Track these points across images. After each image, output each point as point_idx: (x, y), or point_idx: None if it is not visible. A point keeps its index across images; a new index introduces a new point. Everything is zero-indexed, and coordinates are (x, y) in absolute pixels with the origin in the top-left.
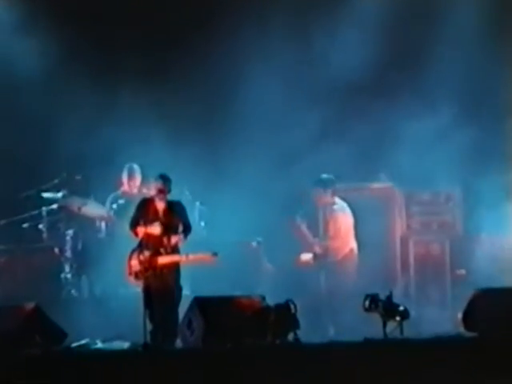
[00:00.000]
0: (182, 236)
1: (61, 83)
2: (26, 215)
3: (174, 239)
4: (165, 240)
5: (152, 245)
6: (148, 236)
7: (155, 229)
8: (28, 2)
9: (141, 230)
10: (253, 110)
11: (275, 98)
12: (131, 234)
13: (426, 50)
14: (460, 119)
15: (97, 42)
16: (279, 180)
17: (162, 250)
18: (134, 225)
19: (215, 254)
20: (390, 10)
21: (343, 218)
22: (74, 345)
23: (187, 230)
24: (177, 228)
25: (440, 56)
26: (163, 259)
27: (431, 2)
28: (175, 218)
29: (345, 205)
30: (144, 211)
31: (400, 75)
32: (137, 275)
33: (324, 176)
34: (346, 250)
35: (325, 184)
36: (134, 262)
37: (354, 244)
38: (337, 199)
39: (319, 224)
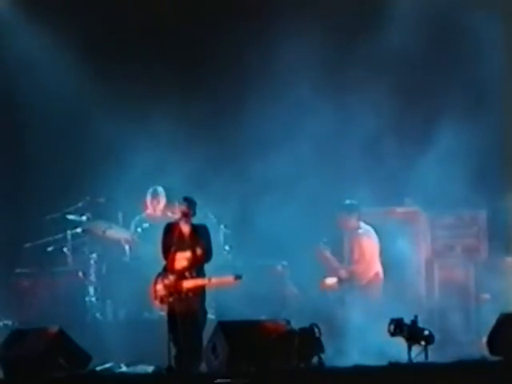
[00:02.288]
0: (207, 279)
1: (84, 106)
2: (51, 238)
3: (191, 283)
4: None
5: (177, 269)
6: (173, 260)
7: (186, 254)
8: (55, 18)
9: (179, 256)
10: (281, 136)
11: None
12: (164, 261)
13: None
14: (483, 141)
15: (125, 67)
16: (304, 205)
17: (186, 273)
18: (166, 252)
19: (238, 277)
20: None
21: (368, 243)
22: (98, 368)
23: (206, 255)
24: (202, 251)
25: (468, 74)
26: (188, 283)
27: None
28: (200, 241)
29: (370, 229)
30: (171, 236)
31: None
32: (162, 299)
33: (348, 201)
34: (371, 274)
35: (349, 209)
36: (159, 287)
37: (379, 268)
38: (362, 224)
39: (344, 249)
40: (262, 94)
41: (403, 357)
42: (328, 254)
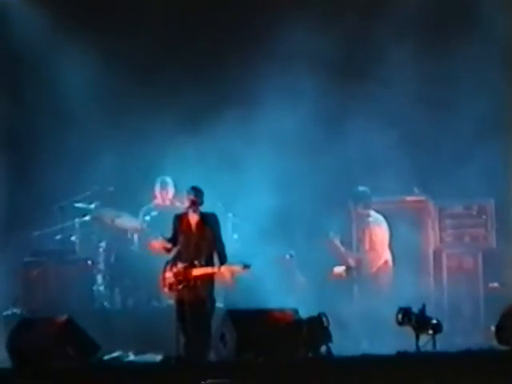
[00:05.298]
0: (216, 268)
1: (95, 95)
2: (59, 227)
3: (200, 271)
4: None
5: (186, 257)
6: (182, 248)
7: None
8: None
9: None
10: (285, 126)
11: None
12: (167, 252)
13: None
14: (492, 131)
15: (137, 63)
16: (312, 193)
17: (196, 262)
18: (173, 244)
19: (247, 266)
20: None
21: (378, 231)
22: (106, 357)
23: (221, 252)
24: (210, 240)
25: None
26: (197, 271)
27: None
28: (208, 230)
29: (380, 217)
30: (178, 227)
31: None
32: (171, 287)
33: (360, 188)
34: (381, 262)
35: (360, 196)
36: (169, 274)
37: (388, 256)
38: (372, 212)
39: (353, 237)
40: (274, 82)
41: (411, 346)
42: (337, 242)
